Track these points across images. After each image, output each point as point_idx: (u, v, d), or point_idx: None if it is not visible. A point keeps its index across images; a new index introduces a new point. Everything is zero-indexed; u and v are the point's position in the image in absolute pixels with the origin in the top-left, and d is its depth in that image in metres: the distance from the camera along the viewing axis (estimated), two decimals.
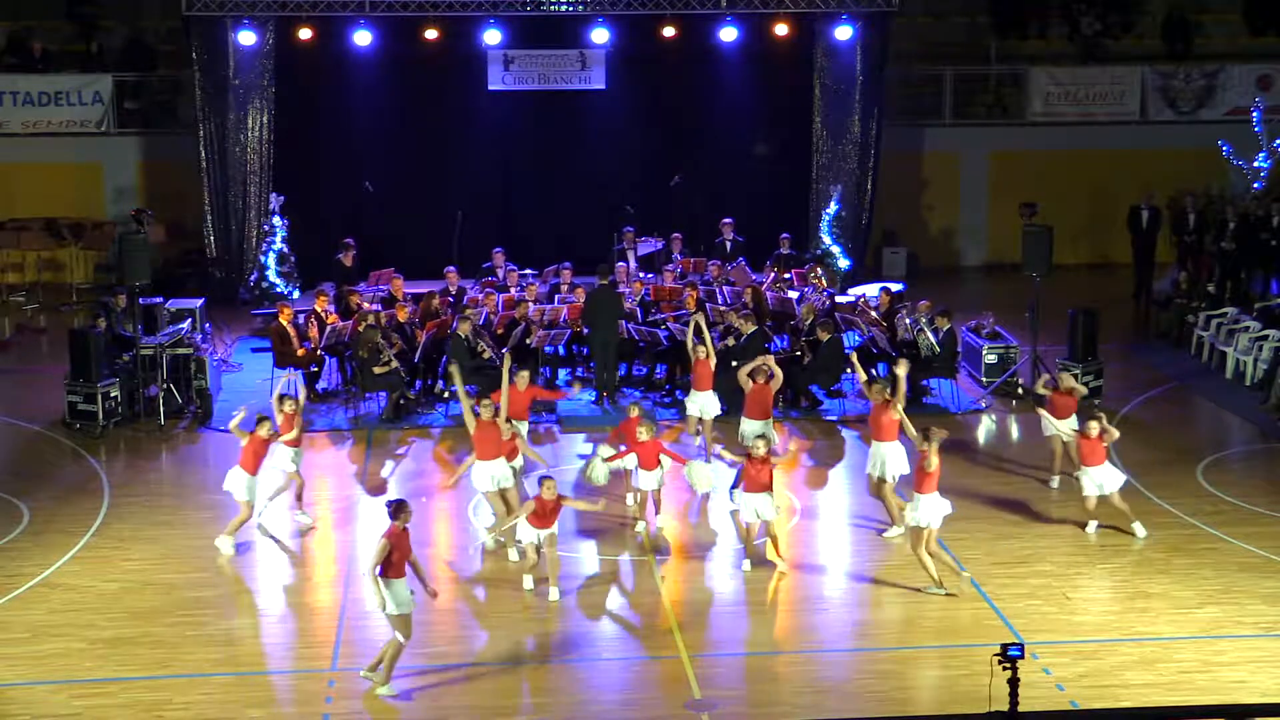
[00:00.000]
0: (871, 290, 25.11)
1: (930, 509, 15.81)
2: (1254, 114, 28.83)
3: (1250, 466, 20.33)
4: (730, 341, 21.29)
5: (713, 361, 19.54)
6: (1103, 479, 17.29)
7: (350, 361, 22.11)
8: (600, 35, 27.33)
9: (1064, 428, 18.29)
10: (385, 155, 28.21)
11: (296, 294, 26.24)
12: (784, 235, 26.23)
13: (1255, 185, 28.84)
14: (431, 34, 26.66)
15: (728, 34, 27.31)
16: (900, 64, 30.27)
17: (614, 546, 17.27)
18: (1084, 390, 19.82)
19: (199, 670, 14.45)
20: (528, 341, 22.01)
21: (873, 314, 23.06)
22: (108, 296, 24.01)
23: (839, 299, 24.76)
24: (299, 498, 17.79)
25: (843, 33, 27.54)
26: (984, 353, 22.96)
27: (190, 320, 23.54)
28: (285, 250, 26.71)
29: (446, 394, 21.80)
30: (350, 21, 26.64)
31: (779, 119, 28.84)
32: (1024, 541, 17.39)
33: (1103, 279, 30.05)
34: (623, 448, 17.59)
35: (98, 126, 29.72)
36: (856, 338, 22.66)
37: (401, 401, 21.71)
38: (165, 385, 21.59)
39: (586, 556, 17.03)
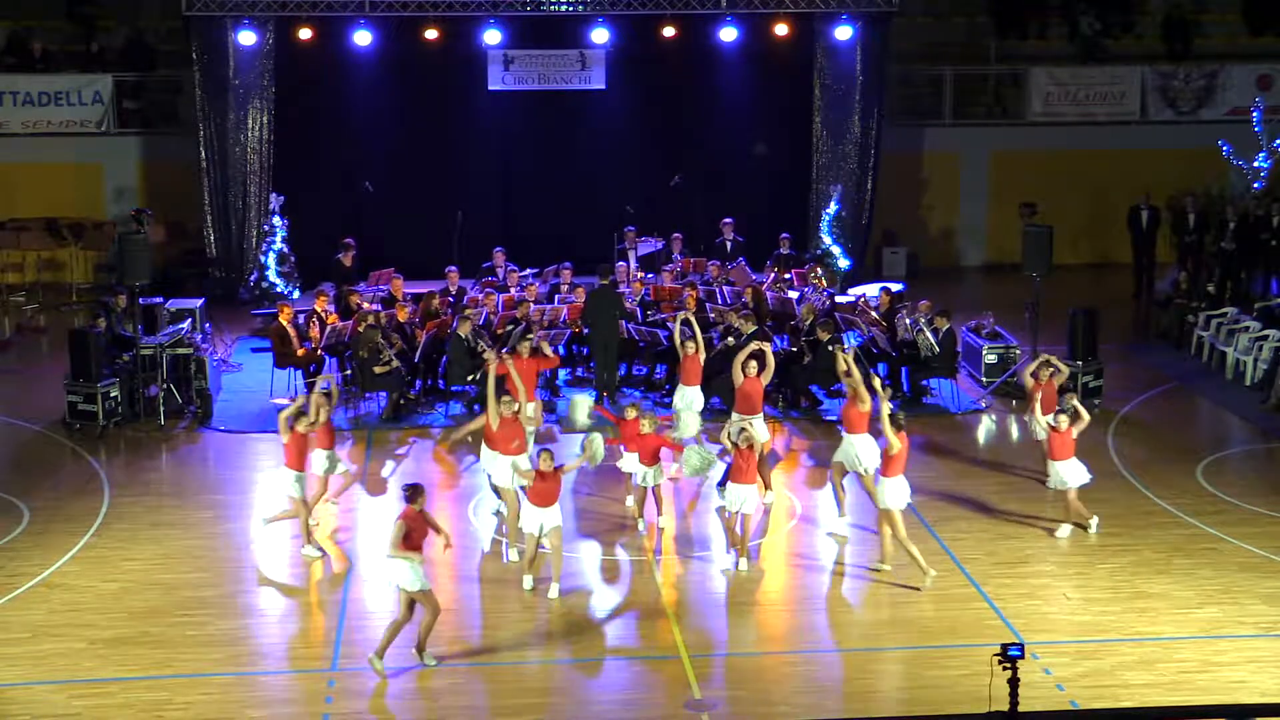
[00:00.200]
0: (871, 290, 25.13)
1: (895, 491, 15.97)
2: (1254, 114, 28.80)
3: (1250, 466, 20.34)
4: (730, 341, 21.28)
5: (702, 356, 19.51)
6: (1067, 474, 17.32)
7: (350, 361, 22.11)
8: (600, 35, 27.35)
9: (1044, 422, 18.13)
10: (385, 155, 28.21)
11: (296, 294, 26.25)
12: (784, 235, 26.22)
13: (1255, 185, 28.82)
14: (431, 34, 26.68)
15: (728, 34, 27.33)
16: (900, 64, 30.27)
17: (614, 546, 17.29)
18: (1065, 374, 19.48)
19: (199, 670, 14.45)
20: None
21: (873, 314, 23.07)
22: (108, 296, 23.97)
23: (839, 299, 24.78)
24: (308, 534, 17.16)
25: (843, 33, 27.56)
26: (984, 353, 22.98)
27: (190, 320, 23.51)
28: (285, 250, 26.72)
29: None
30: (350, 21, 26.65)
31: (779, 119, 28.84)
32: (1024, 541, 17.39)
33: (1103, 279, 30.05)
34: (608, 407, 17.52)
35: (98, 126, 29.69)
36: (856, 338, 22.66)
37: (401, 401, 21.73)
38: (165, 385, 21.58)
39: (586, 556, 17.02)
